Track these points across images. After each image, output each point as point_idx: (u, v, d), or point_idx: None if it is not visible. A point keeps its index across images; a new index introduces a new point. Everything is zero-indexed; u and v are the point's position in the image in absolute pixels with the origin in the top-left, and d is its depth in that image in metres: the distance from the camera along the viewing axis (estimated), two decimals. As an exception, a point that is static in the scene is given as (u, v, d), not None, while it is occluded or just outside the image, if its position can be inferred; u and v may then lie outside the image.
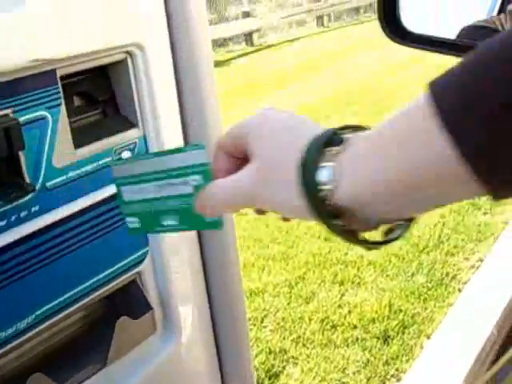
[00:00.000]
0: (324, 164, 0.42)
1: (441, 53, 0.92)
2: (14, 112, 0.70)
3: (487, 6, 1.03)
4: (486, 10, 1.04)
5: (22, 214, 0.73)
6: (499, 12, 1.02)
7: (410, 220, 0.47)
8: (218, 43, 10.92)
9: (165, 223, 0.58)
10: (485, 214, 3.16)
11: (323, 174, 0.42)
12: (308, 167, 0.43)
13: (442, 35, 0.93)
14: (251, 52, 10.57)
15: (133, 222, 0.62)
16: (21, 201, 0.73)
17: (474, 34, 0.98)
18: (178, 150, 0.56)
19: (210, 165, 0.53)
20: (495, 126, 0.34)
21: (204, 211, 0.53)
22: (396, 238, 0.47)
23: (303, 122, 0.47)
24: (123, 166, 0.62)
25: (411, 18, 0.89)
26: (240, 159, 0.53)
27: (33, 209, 0.74)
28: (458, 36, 0.97)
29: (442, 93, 0.36)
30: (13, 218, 0.72)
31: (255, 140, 0.48)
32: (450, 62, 0.38)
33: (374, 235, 0.46)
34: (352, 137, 0.43)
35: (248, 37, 11.29)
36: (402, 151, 0.38)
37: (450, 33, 0.95)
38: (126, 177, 0.61)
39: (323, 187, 0.42)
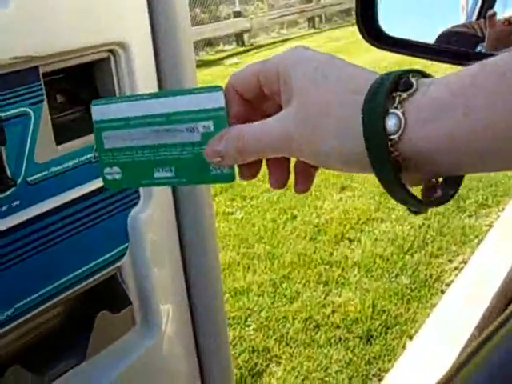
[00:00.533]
0: (392, 110, 0.38)
1: (419, 57, 0.94)
2: (-5, 108, 0.71)
3: (466, 10, 1.05)
4: (464, 14, 1.06)
5: (3, 209, 0.74)
6: (478, 17, 1.04)
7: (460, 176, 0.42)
8: (208, 43, 10.92)
9: (156, 175, 0.51)
10: (469, 216, 3.18)
11: (391, 122, 0.37)
12: (374, 114, 0.38)
13: (421, 39, 0.95)
14: (242, 52, 10.57)
15: (112, 174, 0.54)
16: (1, 195, 0.73)
17: (453, 38, 1.00)
18: (185, 92, 0.49)
19: (225, 110, 0.46)
20: None
21: (217, 159, 0.46)
22: (445, 200, 0.43)
23: (349, 64, 0.42)
24: (107, 107, 0.52)
25: (390, 22, 0.91)
26: (257, 106, 0.47)
27: (14, 203, 0.75)
28: (437, 40, 0.98)
29: None
30: (-7, 212, 0.73)
31: (296, 80, 0.42)
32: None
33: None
34: (423, 81, 0.38)
35: (239, 37, 11.30)
36: (491, 106, 0.35)
37: (429, 37, 0.97)
38: (111, 120, 0.52)
39: (390, 136, 0.37)
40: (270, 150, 0.43)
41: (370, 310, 2.39)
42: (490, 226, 3.08)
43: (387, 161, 0.38)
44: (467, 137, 0.36)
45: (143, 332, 0.97)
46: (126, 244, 0.91)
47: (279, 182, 0.48)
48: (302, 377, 2.06)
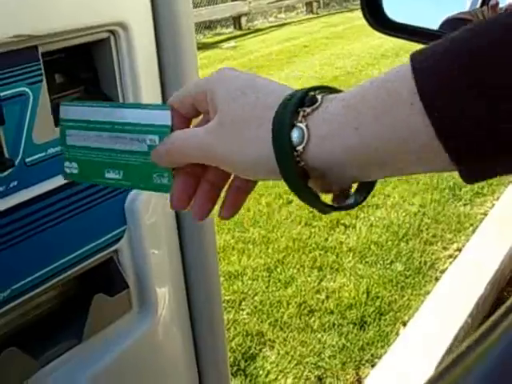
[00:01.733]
0: (297, 124, 0.41)
1: (423, 43, 0.93)
2: (-6, 87, 0.70)
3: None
4: (469, 1, 1.05)
5: (0, 189, 0.74)
6: (482, 4, 1.03)
7: (372, 184, 0.46)
8: (206, 25, 10.85)
9: (107, 176, 0.56)
10: (465, 204, 3.19)
11: (295, 134, 0.41)
12: (281, 126, 0.41)
13: (425, 25, 0.94)
14: (239, 36, 10.52)
15: (71, 168, 0.59)
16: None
17: (456, 25, 0.99)
18: (140, 106, 0.56)
19: (171, 128, 0.51)
20: (466, 113, 0.35)
21: (159, 161, 0.51)
22: (355, 205, 0.46)
23: (270, 82, 0.46)
24: (74, 108, 0.58)
25: (394, 7, 0.90)
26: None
27: (11, 184, 0.74)
28: (441, 27, 0.97)
29: (423, 73, 0.37)
30: (-10, 192, 0.72)
31: (219, 97, 0.46)
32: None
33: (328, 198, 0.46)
34: (326, 97, 0.42)
35: (236, 20, 11.23)
36: (377, 120, 0.38)
37: (433, 23, 0.96)
38: (75, 120, 0.57)
39: (296, 148, 0.41)
40: (195, 156, 0.48)
41: (364, 296, 2.40)
42: (485, 214, 3.09)
43: (294, 170, 0.41)
44: (360, 150, 0.39)
45: (139, 315, 0.96)
46: (124, 227, 0.91)
47: (202, 210, 0.52)
48: (296, 361, 2.07)
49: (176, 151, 0.49)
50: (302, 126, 0.41)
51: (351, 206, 0.46)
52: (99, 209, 0.86)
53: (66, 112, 0.58)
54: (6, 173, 0.73)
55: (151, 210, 0.93)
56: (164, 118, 0.51)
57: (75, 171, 0.59)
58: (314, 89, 0.43)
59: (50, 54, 0.78)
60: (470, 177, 0.38)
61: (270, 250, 2.77)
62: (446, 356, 2.08)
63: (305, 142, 0.40)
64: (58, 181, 0.80)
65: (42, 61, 0.75)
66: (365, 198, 0.46)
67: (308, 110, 0.41)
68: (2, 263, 0.75)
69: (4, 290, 0.75)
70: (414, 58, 0.38)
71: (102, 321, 0.89)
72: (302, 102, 0.42)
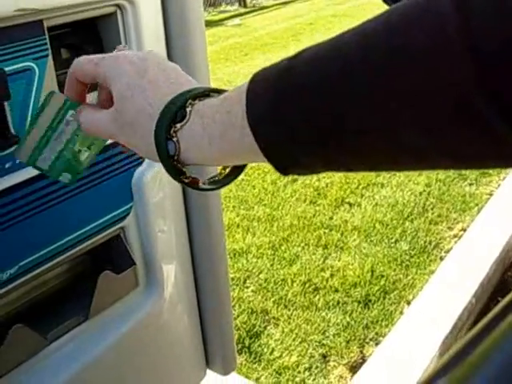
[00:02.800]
0: (171, 138, 0.49)
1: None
2: (0, 62, 0.69)
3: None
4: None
5: (7, 166, 0.73)
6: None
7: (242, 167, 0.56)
8: (210, 3, 10.75)
9: (83, 160, 0.63)
10: (470, 184, 3.18)
11: (170, 146, 0.50)
12: (159, 142, 0.50)
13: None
14: (244, 13, 10.42)
15: (64, 178, 0.64)
16: (5, 152, 0.72)
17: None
18: (42, 107, 0.60)
19: (68, 99, 0.59)
20: (273, 140, 0.44)
21: (91, 134, 0.59)
22: (229, 181, 0.56)
23: (157, 78, 0.53)
24: (22, 148, 0.62)
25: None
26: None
27: (17, 160, 0.74)
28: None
29: (253, 99, 0.44)
30: (-3, 168, 0.72)
31: (114, 90, 0.53)
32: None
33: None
34: (196, 110, 0.49)
35: (242, -3, 11.13)
36: (222, 138, 0.47)
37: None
38: (31, 154, 0.62)
39: (171, 155, 0.50)
40: (104, 135, 0.57)
41: (369, 274, 2.39)
42: (491, 194, 3.08)
43: (173, 169, 0.51)
44: (215, 157, 0.49)
45: (146, 293, 0.96)
46: (130, 204, 0.90)
47: None
48: (300, 339, 2.08)
49: (89, 130, 0.58)
50: (174, 140, 0.49)
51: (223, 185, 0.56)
52: (105, 186, 0.86)
53: (22, 155, 0.62)
54: (12, 149, 0.72)
55: (158, 188, 0.93)
56: (58, 98, 0.59)
57: (68, 178, 0.63)
58: (195, 95, 0.51)
59: (55, 29, 0.77)
60: (284, 174, 0.48)
61: (274, 228, 2.76)
62: (449, 338, 2.08)
63: (177, 152, 0.50)
64: (65, 157, 0.79)
65: (47, 35, 0.74)
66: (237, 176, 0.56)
67: (178, 126, 0.49)
68: (8, 240, 0.74)
69: (12, 267, 0.75)
70: (252, 79, 0.45)
71: (108, 298, 0.89)
72: (175, 116, 0.50)
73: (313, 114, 0.41)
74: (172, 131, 0.50)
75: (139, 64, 0.54)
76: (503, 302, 0.47)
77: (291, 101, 0.42)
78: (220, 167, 0.56)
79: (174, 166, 0.51)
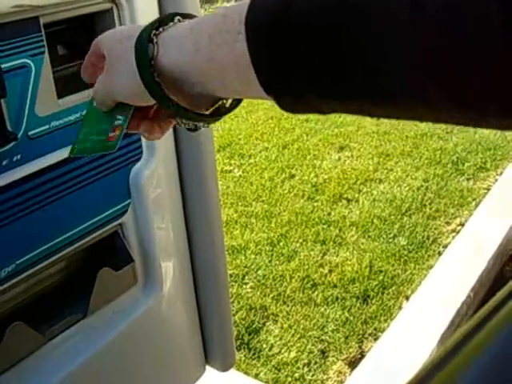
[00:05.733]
0: (152, 40, 0.48)
1: None
2: (-5, 58, 0.69)
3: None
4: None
5: (4, 163, 0.73)
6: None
7: (235, 105, 0.54)
8: (207, 0, 10.73)
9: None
10: (468, 179, 3.18)
11: (150, 49, 0.48)
12: (139, 44, 0.49)
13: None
14: (241, 8, 10.40)
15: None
16: (2, 149, 0.72)
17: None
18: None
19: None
20: (272, 48, 0.40)
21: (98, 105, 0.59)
22: (219, 115, 0.54)
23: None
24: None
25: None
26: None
27: (15, 158, 0.74)
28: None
29: (255, 7, 0.42)
30: (-6, 166, 0.71)
31: (107, 44, 0.54)
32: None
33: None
34: (179, 21, 0.50)
35: (238, -7, 11.11)
36: (211, 40, 0.45)
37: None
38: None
39: (150, 59, 0.48)
40: (106, 96, 0.56)
41: (367, 270, 2.40)
42: (488, 189, 3.08)
43: (152, 78, 0.48)
44: (197, 63, 0.46)
45: (145, 289, 0.96)
46: (128, 200, 0.90)
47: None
48: (299, 335, 2.08)
49: (96, 97, 0.58)
50: (155, 40, 0.48)
51: (218, 116, 0.54)
52: (103, 182, 0.85)
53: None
54: (8, 146, 0.72)
55: (155, 184, 0.92)
56: None
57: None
58: (175, 14, 0.50)
59: (52, 26, 0.77)
60: (283, 108, 0.44)
61: (272, 224, 2.76)
62: (448, 333, 2.08)
63: (155, 53, 0.48)
64: (62, 154, 0.79)
65: (43, 32, 0.74)
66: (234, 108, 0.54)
67: (161, 29, 0.49)
68: (6, 238, 0.74)
69: (9, 265, 0.75)
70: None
71: (107, 295, 0.89)
72: (159, 24, 0.49)
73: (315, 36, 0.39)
74: (153, 34, 0.49)
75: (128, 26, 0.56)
76: (488, 304, 0.46)
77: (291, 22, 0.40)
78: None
79: (152, 75, 0.49)
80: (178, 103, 0.50)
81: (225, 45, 0.44)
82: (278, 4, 0.40)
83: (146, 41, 0.48)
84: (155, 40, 0.48)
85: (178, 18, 0.50)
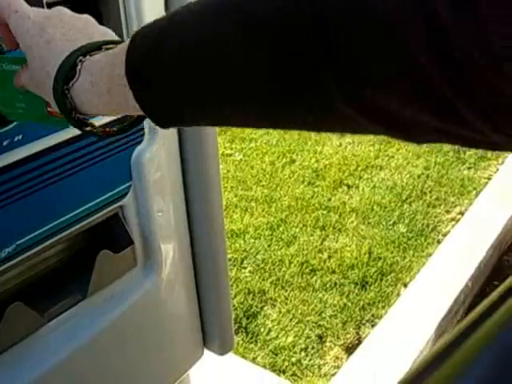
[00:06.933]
0: (65, 95, 0.53)
1: None
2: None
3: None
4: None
5: (5, 143, 0.72)
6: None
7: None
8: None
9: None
10: (469, 168, 3.17)
11: (66, 100, 0.53)
12: (57, 95, 0.53)
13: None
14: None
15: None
16: (3, 129, 0.71)
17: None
18: None
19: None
20: (142, 92, 0.47)
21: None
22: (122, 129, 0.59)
23: (64, 36, 0.55)
24: None
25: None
26: None
27: (16, 138, 0.73)
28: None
29: (132, 53, 0.47)
30: (-5, 145, 0.71)
31: (22, 44, 0.56)
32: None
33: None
34: (85, 67, 0.52)
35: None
36: (109, 92, 0.50)
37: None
38: None
39: (69, 110, 0.53)
40: (24, 84, 0.59)
41: (366, 256, 2.40)
42: (489, 178, 3.07)
43: (76, 122, 0.55)
44: (111, 111, 0.53)
45: (144, 272, 0.96)
46: (130, 183, 0.89)
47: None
48: (297, 320, 2.08)
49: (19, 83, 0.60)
50: (69, 97, 0.53)
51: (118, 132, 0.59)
52: (104, 164, 0.85)
53: None
54: (10, 126, 0.72)
55: (157, 166, 0.92)
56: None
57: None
58: (86, 50, 0.53)
59: (54, 4, 0.76)
60: (161, 126, 0.51)
61: (272, 209, 2.76)
62: (445, 321, 2.09)
63: (72, 107, 0.53)
64: (63, 135, 0.78)
65: (45, 4, 0.73)
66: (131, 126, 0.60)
67: (70, 84, 0.52)
68: (6, 218, 0.74)
69: (9, 245, 0.75)
70: (138, 33, 0.48)
71: (106, 277, 0.89)
72: (67, 74, 0.52)
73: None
74: (65, 89, 0.53)
75: (40, 22, 0.56)
76: (489, 299, 0.45)
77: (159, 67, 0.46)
78: None
79: (77, 119, 0.54)
80: (90, 127, 0.57)
81: (117, 93, 0.50)
82: (148, 48, 0.46)
83: (61, 96, 0.53)
84: (69, 95, 0.53)
85: (80, 58, 0.53)
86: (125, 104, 0.50)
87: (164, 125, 0.50)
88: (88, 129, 0.56)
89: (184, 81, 0.45)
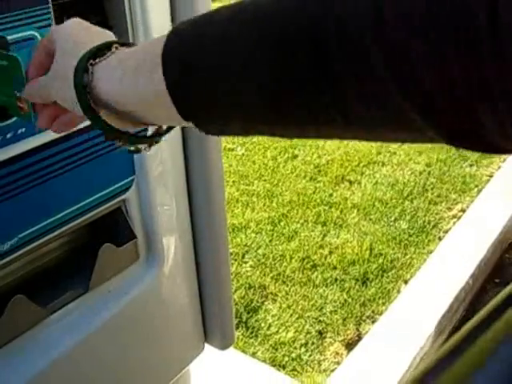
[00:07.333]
0: (88, 70, 0.53)
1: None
2: (2, 30, 0.68)
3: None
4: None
5: (8, 136, 0.72)
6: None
7: (166, 131, 0.59)
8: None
9: None
10: (471, 165, 3.17)
11: (85, 77, 0.52)
12: (78, 72, 0.53)
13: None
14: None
15: None
16: (6, 122, 0.71)
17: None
18: None
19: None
20: (181, 79, 0.46)
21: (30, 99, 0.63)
22: (148, 138, 0.58)
23: (91, 37, 0.57)
24: None
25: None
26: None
27: (19, 131, 0.73)
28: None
29: (171, 38, 0.47)
30: (-2, 138, 0.71)
31: (57, 45, 0.58)
32: None
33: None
34: (113, 52, 0.54)
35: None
36: (135, 74, 0.49)
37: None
38: None
39: (85, 86, 0.53)
40: (44, 98, 0.61)
41: (368, 252, 2.40)
42: (491, 176, 3.07)
43: (87, 104, 0.53)
44: (123, 94, 0.51)
45: (146, 266, 0.96)
46: (133, 177, 0.89)
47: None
48: (297, 315, 2.09)
49: (31, 97, 0.62)
50: (89, 71, 0.53)
51: (150, 141, 0.58)
52: (108, 158, 0.85)
53: None
54: (12, 119, 0.72)
55: (160, 161, 0.92)
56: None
57: None
58: (111, 43, 0.55)
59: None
60: (206, 133, 0.50)
61: (274, 204, 2.76)
62: (446, 318, 2.09)
63: (90, 80, 0.52)
64: (67, 128, 0.78)
65: (51, 4, 0.73)
66: (156, 137, 0.59)
67: (96, 60, 0.53)
68: (9, 211, 0.74)
69: (12, 238, 0.75)
70: (177, 27, 0.48)
71: (108, 270, 0.89)
72: (94, 55, 0.53)
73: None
74: (89, 64, 0.53)
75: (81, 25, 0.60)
76: (482, 312, 0.43)
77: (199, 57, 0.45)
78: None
79: (88, 101, 0.53)
80: (117, 128, 0.55)
81: (145, 79, 0.49)
82: (190, 44, 0.46)
83: (81, 70, 0.53)
84: (90, 70, 0.53)
85: (115, 45, 0.55)
86: (147, 85, 0.48)
87: (187, 115, 0.49)
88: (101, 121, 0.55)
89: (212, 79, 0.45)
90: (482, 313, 0.41)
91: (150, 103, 0.50)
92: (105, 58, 0.53)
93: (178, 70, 0.46)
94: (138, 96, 0.50)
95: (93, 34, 0.58)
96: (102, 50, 0.54)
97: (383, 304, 2.15)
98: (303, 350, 1.94)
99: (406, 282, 2.27)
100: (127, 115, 0.53)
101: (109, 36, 0.59)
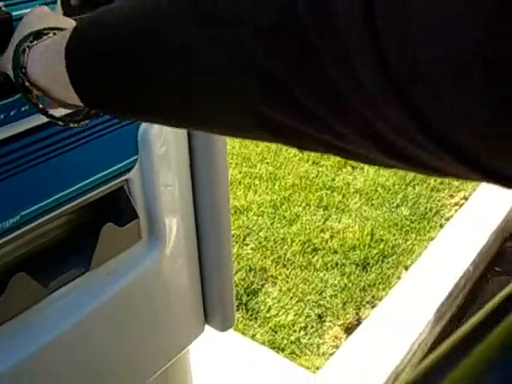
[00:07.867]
0: (25, 51, 0.58)
1: None
2: (6, 6, 0.67)
3: None
4: None
5: (12, 113, 0.72)
6: None
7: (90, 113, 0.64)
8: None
9: None
10: (475, 152, 3.16)
11: (21, 58, 0.58)
12: (16, 52, 0.58)
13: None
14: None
15: None
16: (10, 99, 0.71)
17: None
18: None
19: None
20: (83, 71, 0.52)
21: None
22: (79, 120, 0.64)
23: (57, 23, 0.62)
24: None
25: None
26: None
27: (22, 108, 0.72)
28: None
29: (75, 35, 0.52)
30: (1, 116, 0.70)
31: (20, 25, 0.63)
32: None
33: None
34: (49, 36, 0.59)
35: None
36: (49, 60, 0.55)
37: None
38: None
39: (21, 67, 0.58)
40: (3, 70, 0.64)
41: (369, 237, 2.40)
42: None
43: (20, 83, 0.59)
44: (43, 77, 0.57)
45: (148, 246, 0.96)
46: (136, 156, 0.89)
47: None
48: (297, 298, 2.09)
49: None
50: (26, 52, 0.58)
51: (79, 120, 0.64)
52: (111, 137, 0.84)
53: None
54: (16, 96, 0.71)
55: (163, 141, 0.91)
56: None
57: None
58: (54, 28, 0.60)
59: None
60: (88, 106, 0.56)
61: (276, 187, 2.76)
62: (445, 305, 2.10)
63: (25, 64, 0.58)
64: (71, 106, 0.77)
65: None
66: (83, 119, 0.65)
67: (33, 43, 0.58)
68: (12, 189, 0.73)
69: (14, 216, 0.74)
70: (81, 19, 0.53)
71: (110, 250, 0.89)
72: (35, 38, 0.59)
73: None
74: (26, 46, 0.58)
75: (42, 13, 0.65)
76: (476, 319, 0.41)
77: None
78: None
79: (23, 80, 0.58)
80: (44, 111, 0.62)
81: (55, 63, 0.53)
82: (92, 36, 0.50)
83: (20, 51, 0.58)
84: (27, 52, 0.58)
85: (54, 31, 0.60)
86: (59, 70, 0.53)
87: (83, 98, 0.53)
88: (33, 100, 0.60)
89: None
90: (475, 319, 0.39)
91: (64, 87, 0.54)
92: (42, 41, 0.58)
93: (76, 48, 0.51)
94: (52, 79, 0.56)
95: (58, 20, 0.64)
96: (44, 34, 0.59)
97: (383, 289, 2.15)
98: (302, 333, 1.95)
99: (406, 268, 2.27)
100: (53, 98, 0.58)
101: (70, 24, 0.63)
